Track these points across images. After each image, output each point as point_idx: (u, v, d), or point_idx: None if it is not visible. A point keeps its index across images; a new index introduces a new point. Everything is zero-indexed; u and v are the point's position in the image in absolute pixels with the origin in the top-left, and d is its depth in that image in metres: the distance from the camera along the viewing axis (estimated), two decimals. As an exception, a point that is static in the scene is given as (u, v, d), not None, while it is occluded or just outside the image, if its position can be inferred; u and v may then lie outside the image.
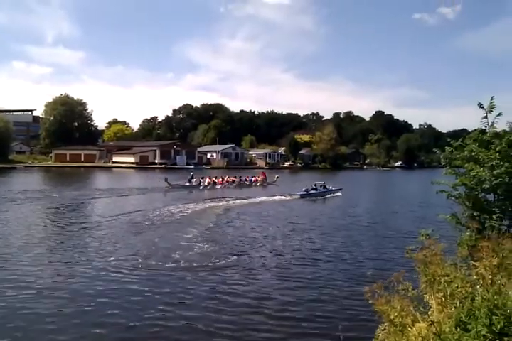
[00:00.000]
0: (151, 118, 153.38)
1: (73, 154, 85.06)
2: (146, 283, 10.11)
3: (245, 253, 13.29)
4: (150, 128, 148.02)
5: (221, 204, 26.68)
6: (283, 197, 30.76)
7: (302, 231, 17.52)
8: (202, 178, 40.38)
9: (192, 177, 40.15)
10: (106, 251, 13.07)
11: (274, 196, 31.38)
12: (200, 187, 38.43)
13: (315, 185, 33.98)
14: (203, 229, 17.17)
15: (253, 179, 44.32)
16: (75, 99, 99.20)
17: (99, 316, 8.06)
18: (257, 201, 29.03)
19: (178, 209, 23.06)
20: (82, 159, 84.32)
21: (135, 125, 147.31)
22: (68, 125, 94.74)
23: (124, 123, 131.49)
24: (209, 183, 39.68)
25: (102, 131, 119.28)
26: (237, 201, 28.27)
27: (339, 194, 34.34)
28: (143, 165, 79.15)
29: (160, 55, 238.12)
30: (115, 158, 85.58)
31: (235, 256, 12.69)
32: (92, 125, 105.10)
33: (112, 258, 12.16)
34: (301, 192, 31.95)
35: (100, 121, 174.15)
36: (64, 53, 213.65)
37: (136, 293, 9.39)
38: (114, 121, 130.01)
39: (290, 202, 29.11)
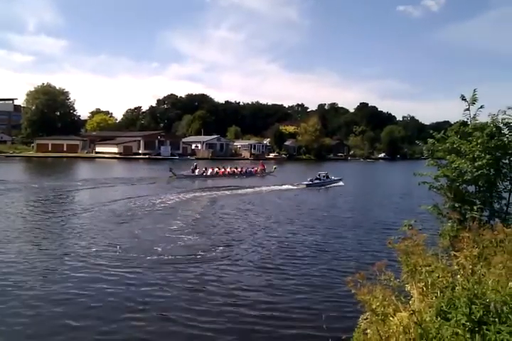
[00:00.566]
0: (135, 108, 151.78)
1: (55, 144, 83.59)
2: (124, 277, 9.85)
3: (231, 244, 13.34)
4: (134, 119, 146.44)
5: (230, 192, 28.08)
6: (290, 186, 32.47)
7: (287, 222, 17.62)
8: (205, 168, 41.39)
9: (195, 168, 41.09)
10: (85, 244, 12.80)
11: (282, 185, 32.96)
12: (203, 177, 39.47)
13: (319, 175, 35.58)
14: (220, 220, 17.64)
15: (253, 169, 45.55)
16: (58, 88, 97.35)
17: (72, 314, 7.75)
18: (269, 190, 30.73)
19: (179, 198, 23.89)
20: (65, 149, 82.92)
21: (118, 115, 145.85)
22: (50, 114, 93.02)
23: (107, 113, 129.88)
24: (211, 173, 40.89)
25: (85, 120, 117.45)
26: (249, 190, 29.97)
27: (341, 183, 36.09)
28: (126, 155, 78.33)
29: (144, 45, 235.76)
30: (98, 148, 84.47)
31: (221, 247, 12.72)
32: (75, 115, 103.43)
33: (91, 251, 11.92)
34: (306, 182, 33.56)
35: (83, 111, 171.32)
36: (46, 42, 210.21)
37: (114, 288, 9.15)
38: (97, 111, 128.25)
39: (293, 191, 30.64)
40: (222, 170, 42.58)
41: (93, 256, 11.48)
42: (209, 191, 28.48)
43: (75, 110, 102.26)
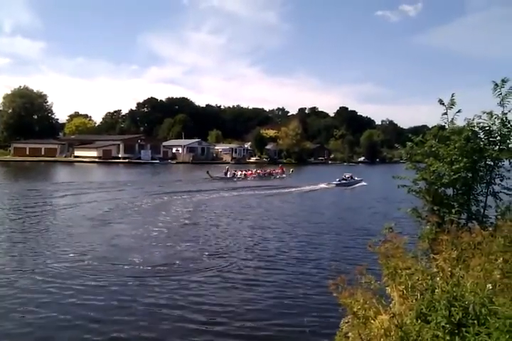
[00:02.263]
0: (115, 112, 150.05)
1: (33, 148, 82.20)
2: (86, 291, 9.02)
3: (223, 244, 13.31)
4: (113, 122, 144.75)
5: (277, 191, 33.01)
6: (324, 186, 37.39)
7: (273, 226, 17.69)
8: (235, 171, 47.09)
9: (227, 171, 46.50)
10: (58, 251, 12.25)
11: (317, 184, 37.76)
12: (235, 179, 44.65)
13: (345, 176, 40.85)
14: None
15: (274, 172, 50.64)
16: (35, 91, 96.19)
17: (35, 330, 7.14)
18: (307, 189, 35.13)
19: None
20: (43, 153, 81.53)
21: (98, 118, 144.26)
22: (28, 118, 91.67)
23: (86, 116, 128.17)
24: (241, 175, 46.43)
25: (64, 124, 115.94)
26: (293, 189, 34.49)
27: (364, 183, 40.86)
28: (106, 159, 77.38)
29: (123, 47, 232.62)
30: (77, 152, 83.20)
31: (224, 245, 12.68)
32: (53, 118, 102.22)
33: (64, 260, 11.25)
34: (336, 182, 38.62)
35: (61, 114, 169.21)
36: (23, 43, 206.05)
37: (83, 301, 8.47)
38: (76, 114, 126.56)
39: (330, 189, 35.83)
40: (250, 172, 47.91)
41: (65, 265, 10.77)
42: (263, 190, 33.59)
43: (53, 113, 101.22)
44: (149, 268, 10.74)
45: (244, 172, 47.29)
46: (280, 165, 56.96)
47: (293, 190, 34.09)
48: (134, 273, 10.36)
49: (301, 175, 53.02)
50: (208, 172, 44.17)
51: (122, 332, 7.12)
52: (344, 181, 39.62)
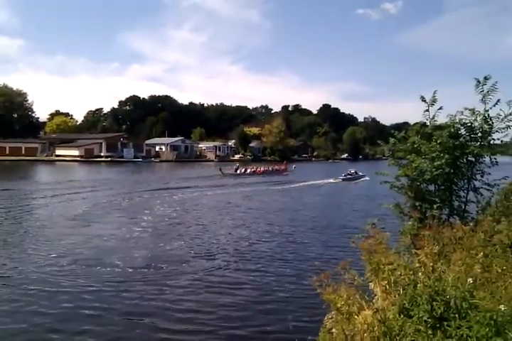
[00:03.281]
0: (96, 110, 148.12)
1: (13, 147, 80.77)
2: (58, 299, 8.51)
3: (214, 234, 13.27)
4: (95, 120, 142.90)
5: (288, 186, 35.50)
6: (332, 180, 40.76)
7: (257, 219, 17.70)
8: (244, 168, 51.77)
9: (237, 168, 51.25)
10: (32, 254, 11.85)
11: (326, 179, 41.28)
12: (244, 175, 48.56)
13: (350, 171, 44.17)
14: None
15: (279, 168, 55.00)
16: (15, 89, 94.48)
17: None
18: (319, 183, 38.76)
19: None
20: (23, 152, 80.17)
21: (79, 117, 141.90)
22: (7, 117, 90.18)
23: (67, 114, 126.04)
24: (250, 172, 50.79)
25: (44, 123, 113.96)
26: (302, 183, 37.75)
27: (367, 178, 42.23)
28: (88, 158, 76.52)
29: (103, 45, 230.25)
30: (58, 151, 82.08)
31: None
32: (33, 117, 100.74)
33: (39, 264, 10.82)
34: (342, 177, 41.98)
35: (42, 113, 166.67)
36: (1, 41, 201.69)
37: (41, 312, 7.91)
38: (57, 113, 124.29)
39: (338, 184, 39.30)
40: (258, 169, 52.36)
41: (37, 270, 10.33)
42: (274, 185, 36.41)
43: (33, 112, 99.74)
44: (128, 271, 10.39)
45: (252, 169, 51.93)
46: (285, 162, 60.75)
47: (303, 184, 37.35)
48: (111, 277, 9.95)
49: (301, 171, 55.43)
50: (220, 169, 48.09)
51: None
52: (350, 176, 42.96)
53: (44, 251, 12.19)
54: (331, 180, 40.66)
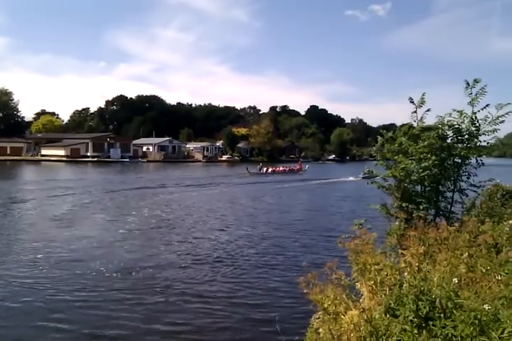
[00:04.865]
0: (83, 110, 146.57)
1: (-2, 147, 79.91)
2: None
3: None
4: (81, 120, 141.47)
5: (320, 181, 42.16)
6: (352, 178, 44.33)
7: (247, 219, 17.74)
8: (266, 168, 57.16)
9: (261, 167, 57.18)
10: (7, 258, 11.46)
11: (347, 177, 46.22)
12: (267, 174, 54.35)
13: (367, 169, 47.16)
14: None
15: (295, 168, 60.10)
16: (0, 88, 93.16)
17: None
18: (346, 180, 44.60)
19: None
20: (8, 152, 79.26)
21: (65, 116, 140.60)
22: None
23: (53, 114, 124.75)
24: (272, 171, 56.36)
25: (30, 122, 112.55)
26: (332, 180, 45.19)
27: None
28: (74, 158, 75.80)
29: (90, 43, 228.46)
30: (44, 151, 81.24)
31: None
32: (19, 116, 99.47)
33: (12, 269, 10.39)
34: (361, 175, 44.23)
35: (28, 112, 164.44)
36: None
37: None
38: (43, 112, 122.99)
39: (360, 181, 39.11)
40: (278, 168, 58.46)
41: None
42: (305, 181, 42.82)
43: (18, 111, 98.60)
44: (105, 277, 9.95)
45: (273, 168, 57.90)
46: (299, 162, 66.28)
47: (328, 181, 43.39)
48: (86, 284, 9.42)
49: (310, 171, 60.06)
50: (247, 168, 54.49)
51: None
52: (367, 175, 46.54)
53: (17, 254, 11.82)
54: (352, 178, 44.34)
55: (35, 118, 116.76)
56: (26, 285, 9.35)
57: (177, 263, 11.29)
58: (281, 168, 58.96)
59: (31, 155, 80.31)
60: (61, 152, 78.70)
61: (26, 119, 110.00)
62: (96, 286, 9.33)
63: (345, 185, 40.33)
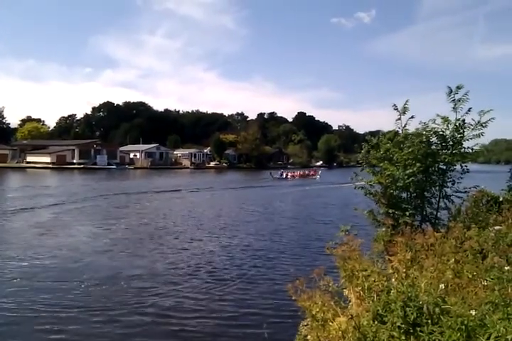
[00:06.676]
0: (69, 116, 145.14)
1: (-18, 154, 78.75)
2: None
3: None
4: (68, 127, 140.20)
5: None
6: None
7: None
8: (287, 173, 63.80)
9: (282, 173, 62.69)
10: None
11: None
12: (288, 178, 60.44)
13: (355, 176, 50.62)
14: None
15: (310, 173, 66.71)
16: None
17: None
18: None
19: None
20: (-8, 159, 78.23)
21: (51, 123, 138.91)
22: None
23: (39, 120, 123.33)
24: (291, 175, 62.98)
25: (15, 129, 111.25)
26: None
27: None
28: (60, 165, 74.90)
29: (75, 49, 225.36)
30: (29, 158, 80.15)
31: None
32: (4, 122, 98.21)
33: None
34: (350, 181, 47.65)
35: (13, 119, 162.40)
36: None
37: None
38: (29, 119, 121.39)
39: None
40: (297, 173, 65.47)
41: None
42: (325, 185, 46.90)
43: (3, 118, 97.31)
44: (90, 288, 9.55)
45: (292, 174, 64.62)
46: (314, 168, 75.52)
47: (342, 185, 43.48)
48: (70, 296, 9.02)
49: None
50: (270, 173, 60.61)
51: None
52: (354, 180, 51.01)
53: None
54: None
55: (20, 125, 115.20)
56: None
57: (166, 271, 11.20)
58: (299, 173, 65.83)
59: (16, 163, 79.26)
60: (47, 159, 77.74)
61: (12, 126, 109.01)
62: (73, 299, 8.88)
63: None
